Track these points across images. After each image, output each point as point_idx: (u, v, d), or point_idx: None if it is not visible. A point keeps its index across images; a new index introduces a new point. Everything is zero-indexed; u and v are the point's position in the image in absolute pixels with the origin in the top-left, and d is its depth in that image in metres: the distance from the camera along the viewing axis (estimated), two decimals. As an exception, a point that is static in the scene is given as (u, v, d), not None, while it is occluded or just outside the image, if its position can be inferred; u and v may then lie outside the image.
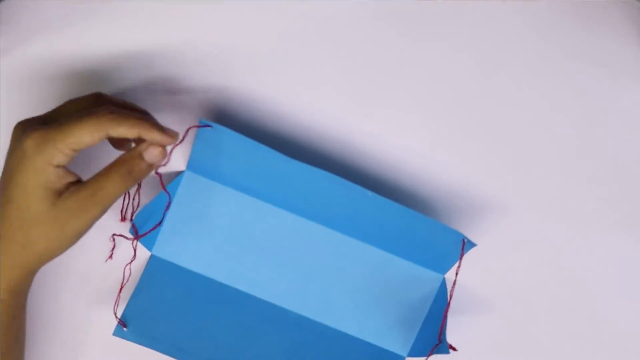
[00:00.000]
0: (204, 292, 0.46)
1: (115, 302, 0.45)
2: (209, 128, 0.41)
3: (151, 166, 0.39)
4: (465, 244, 0.43)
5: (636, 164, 0.48)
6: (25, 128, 0.38)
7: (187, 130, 0.41)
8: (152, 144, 0.39)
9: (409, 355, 0.47)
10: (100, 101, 0.40)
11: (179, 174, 0.45)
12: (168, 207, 0.45)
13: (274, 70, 0.47)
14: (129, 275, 0.45)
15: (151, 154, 0.39)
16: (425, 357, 0.44)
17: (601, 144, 0.48)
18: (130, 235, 0.44)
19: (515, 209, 0.47)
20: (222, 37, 0.47)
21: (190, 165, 0.45)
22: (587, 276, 0.47)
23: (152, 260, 0.46)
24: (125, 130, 0.38)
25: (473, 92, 0.47)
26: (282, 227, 0.46)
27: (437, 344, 0.43)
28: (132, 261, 0.45)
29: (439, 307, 0.45)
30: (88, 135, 0.37)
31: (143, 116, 0.39)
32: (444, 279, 0.46)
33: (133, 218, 0.43)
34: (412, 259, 0.46)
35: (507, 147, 0.47)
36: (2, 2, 0.46)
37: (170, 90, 0.47)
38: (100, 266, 0.46)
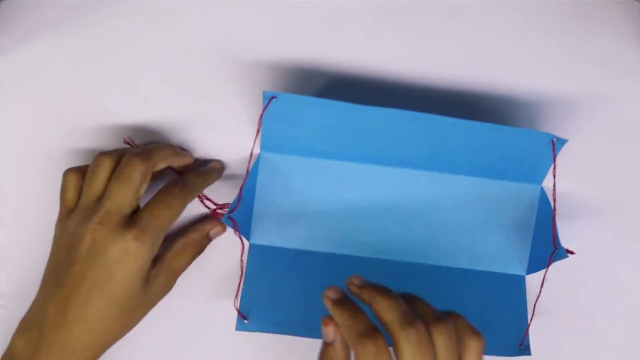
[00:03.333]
0: (310, 265, 0.45)
1: (236, 296, 0.44)
2: (274, 100, 0.41)
3: (211, 240, 0.45)
4: (556, 144, 0.42)
5: (636, 163, 0.48)
6: (111, 229, 0.38)
7: (260, 117, 0.41)
8: (215, 224, 0.44)
9: (528, 272, 0.46)
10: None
11: (252, 157, 0.44)
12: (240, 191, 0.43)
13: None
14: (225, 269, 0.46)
15: (216, 232, 0.45)
16: (545, 269, 0.43)
17: (601, 144, 0.48)
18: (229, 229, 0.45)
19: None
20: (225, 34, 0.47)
21: (264, 146, 0.45)
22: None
23: (252, 249, 0.45)
24: (162, 165, 0.42)
25: (473, 92, 0.47)
26: (369, 181, 0.45)
27: (554, 251, 0.42)
28: (242, 253, 0.44)
29: (545, 217, 0.44)
30: (177, 214, 0.41)
31: (160, 147, 0.43)
32: (541, 188, 0.46)
33: (234, 212, 0.41)
34: (505, 177, 0.45)
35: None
36: (2, 2, 0.46)
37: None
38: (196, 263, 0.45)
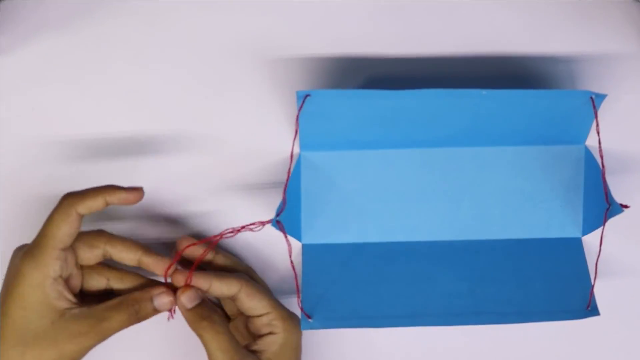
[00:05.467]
0: (366, 258, 0.45)
1: (298, 297, 0.42)
2: (308, 98, 0.40)
3: (157, 311, 0.39)
4: (595, 100, 0.41)
5: (636, 164, 0.48)
6: (17, 251, 0.38)
7: (297, 117, 0.41)
8: (164, 291, 0.39)
9: (584, 233, 0.46)
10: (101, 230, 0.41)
11: (293, 158, 0.43)
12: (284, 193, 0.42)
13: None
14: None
15: (161, 300, 0.39)
16: (602, 227, 0.42)
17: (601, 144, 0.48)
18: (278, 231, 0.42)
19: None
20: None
21: (303, 145, 0.45)
22: None
23: (306, 248, 0.45)
24: (126, 250, 0.39)
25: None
26: (414, 165, 0.45)
27: (608, 208, 0.42)
28: (290, 254, 0.42)
29: (593, 175, 0.44)
30: (65, 226, 0.37)
31: (97, 186, 0.39)
32: (585, 147, 0.45)
33: (280, 215, 0.41)
34: (548, 142, 0.45)
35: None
36: (2, 2, 0.46)
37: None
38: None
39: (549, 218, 0.46)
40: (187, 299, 0.39)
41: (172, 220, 0.46)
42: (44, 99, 0.46)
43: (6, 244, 0.45)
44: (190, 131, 0.47)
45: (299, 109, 0.41)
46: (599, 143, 0.43)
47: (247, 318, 0.41)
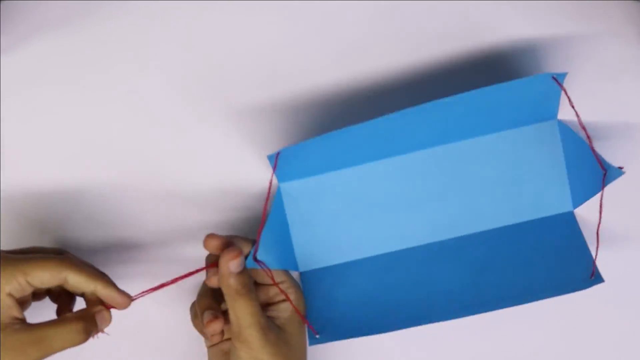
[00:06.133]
0: (364, 272, 0.45)
1: (303, 319, 0.43)
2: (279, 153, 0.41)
3: (97, 330, 0.39)
4: (558, 77, 0.42)
5: (636, 163, 0.48)
6: None
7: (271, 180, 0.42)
8: (104, 308, 0.39)
9: (575, 205, 0.46)
10: (63, 252, 0.41)
11: (269, 199, 0.43)
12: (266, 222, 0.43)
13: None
14: None
15: (102, 317, 0.39)
16: (600, 192, 0.43)
17: (601, 144, 0.48)
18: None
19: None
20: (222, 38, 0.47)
21: (280, 177, 0.45)
22: None
23: (304, 276, 0.46)
24: (85, 280, 0.38)
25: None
26: (393, 174, 0.45)
27: (605, 173, 0.42)
28: (276, 284, 0.42)
29: (572, 148, 0.45)
30: (48, 274, 0.37)
31: (102, 273, 0.40)
32: (559, 121, 0.45)
33: (256, 254, 0.41)
34: (520, 124, 0.45)
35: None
36: (2, 2, 0.46)
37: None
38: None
39: (537, 198, 0.46)
40: (235, 265, 0.39)
41: (160, 237, 0.47)
42: (44, 99, 0.46)
43: (6, 244, 0.45)
44: (191, 131, 0.47)
45: (273, 171, 0.42)
46: (578, 118, 0.43)
47: (259, 286, 0.42)
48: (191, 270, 0.41)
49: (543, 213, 0.46)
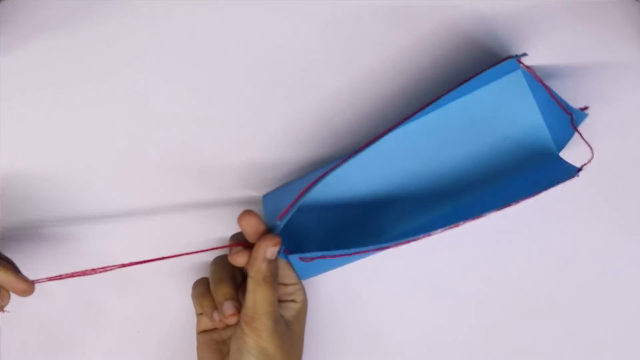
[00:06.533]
0: (333, 203, 0.45)
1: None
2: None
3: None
4: (515, 59, 0.43)
5: (636, 164, 0.48)
6: None
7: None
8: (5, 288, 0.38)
9: (559, 149, 0.46)
10: None
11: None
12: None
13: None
14: None
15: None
16: (572, 137, 0.44)
17: (601, 144, 0.48)
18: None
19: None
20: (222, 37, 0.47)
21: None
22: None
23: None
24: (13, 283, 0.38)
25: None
26: (372, 164, 0.45)
27: (572, 117, 0.43)
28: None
29: (539, 95, 0.44)
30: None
31: (4, 259, 0.39)
32: (521, 70, 0.45)
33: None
34: (485, 84, 0.45)
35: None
36: (2, 2, 0.46)
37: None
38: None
39: (523, 150, 0.46)
40: (272, 252, 0.39)
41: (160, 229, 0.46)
42: (44, 99, 0.46)
43: (5, 243, 0.45)
44: (191, 132, 0.47)
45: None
46: (532, 71, 0.43)
47: None
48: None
49: (532, 164, 0.46)
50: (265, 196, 0.45)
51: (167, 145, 0.47)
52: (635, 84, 0.48)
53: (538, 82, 0.44)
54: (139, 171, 0.46)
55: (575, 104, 0.47)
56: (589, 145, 0.44)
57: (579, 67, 0.48)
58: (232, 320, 0.40)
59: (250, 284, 0.39)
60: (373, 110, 0.47)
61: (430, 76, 0.47)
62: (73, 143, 0.46)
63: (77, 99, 0.47)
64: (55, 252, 0.46)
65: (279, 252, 0.40)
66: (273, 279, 0.39)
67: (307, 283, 0.45)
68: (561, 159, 0.45)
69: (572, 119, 0.44)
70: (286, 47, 0.47)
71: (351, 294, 0.47)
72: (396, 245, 0.41)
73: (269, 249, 0.39)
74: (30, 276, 0.39)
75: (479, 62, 0.47)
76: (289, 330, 0.41)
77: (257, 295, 0.39)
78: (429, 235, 0.41)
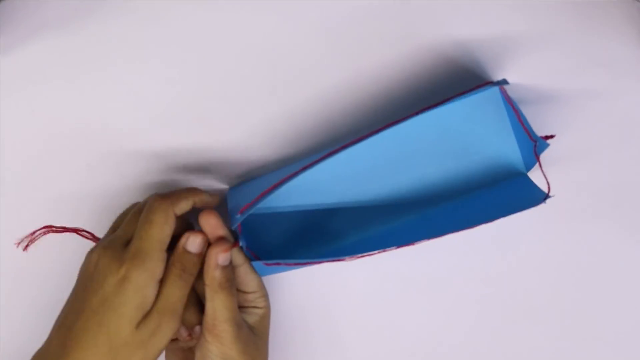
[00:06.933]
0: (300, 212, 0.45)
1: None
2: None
3: (199, 256, 0.39)
4: (497, 84, 0.42)
5: (636, 164, 0.48)
6: (111, 254, 0.37)
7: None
8: (191, 234, 0.39)
9: (527, 170, 0.46)
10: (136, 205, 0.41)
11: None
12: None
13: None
14: None
15: (193, 243, 0.39)
16: (535, 164, 0.44)
17: (601, 144, 0.48)
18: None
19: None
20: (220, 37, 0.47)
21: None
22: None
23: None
24: (185, 203, 0.40)
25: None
26: (342, 163, 0.45)
27: (535, 144, 0.43)
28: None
29: (512, 116, 0.44)
30: (167, 228, 0.38)
31: (184, 187, 0.41)
32: (499, 90, 0.44)
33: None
34: (462, 98, 0.43)
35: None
36: (2, 2, 0.46)
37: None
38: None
39: (489, 167, 0.46)
40: (224, 258, 0.39)
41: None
42: (44, 99, 0.46)
43: (6, 243, 0.46)
44: (190, 131, 0.47)
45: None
46: (503, 92, 0.43)
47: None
48: None
49: (498, 182, 0.46)
50: (232, 189, 0.45)
51: (166, 145, 0.47)
52: (635, 84, 0.48)
53: (509, 104, 0.44)
54: (138, 170, 0.46)
55: (573, 109, 0.47)
56: (545, 178, 0.44)
57: (578, 67, 0.48)
58: (189, 339, 0.41)
59: (208, 292, 0.39)
60: (346, 119, 0.47)
61: (407, 96, 0.47)
62: (73, 143, 0.46)
63: (77, 99, 0.47)
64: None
65: (244, 252, 0.40)
66: (229, 284, 0.39)
67: (272, 288, 0.45)
68: (531, 181, 0.45)
69: (535, 146, 0.44)
70: (286, 47, 0.47)
71: (318, 297, 0.47)
72: (353, 257, 0.42)
73: (220, 255, 0.39)
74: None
75: (464, 84, 0.47)
76: (253, 335, 0.40)
77: (215, 303, 0.39)
78: (385, 250, 0.42)
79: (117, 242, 0.38)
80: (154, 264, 0.37)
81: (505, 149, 0.46)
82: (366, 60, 0.47)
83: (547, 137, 0.44)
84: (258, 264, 0.41)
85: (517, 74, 0.47)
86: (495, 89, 0.44)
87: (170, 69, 0.47)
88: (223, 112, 0.47)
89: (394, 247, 0.42)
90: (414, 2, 0.47)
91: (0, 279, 0.45)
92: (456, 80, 0.47)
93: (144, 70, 0.47)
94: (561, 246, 0.48)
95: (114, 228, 0.41)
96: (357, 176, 0.45)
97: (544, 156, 0.45)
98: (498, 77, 0.47)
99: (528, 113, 0.46)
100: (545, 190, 0.43)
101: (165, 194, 0.40)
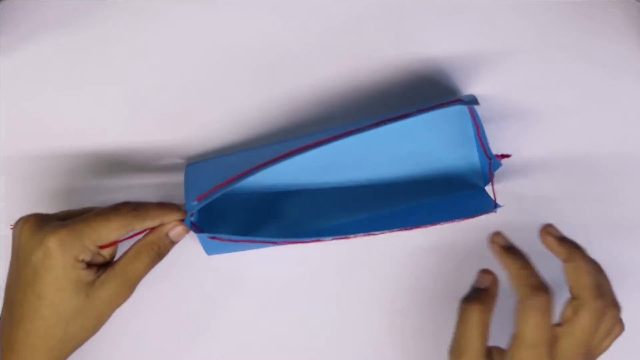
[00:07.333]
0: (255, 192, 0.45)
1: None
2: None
3: (174, 243, 0.41)
4: (468, 103, 0.42)
5: (636, 164, 0.48)
6: (40, 225, 0.38)
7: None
8: (175, 223, 0.40)
9: (485, 183, 0.46)
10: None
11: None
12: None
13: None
14: None
15: (177, 232, 0.40)
16: (490, 183, 0.45)
17: (601, 144, 0.48)
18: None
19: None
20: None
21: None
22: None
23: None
24: (150, 222, 0.39)
25: (470, 89, 0.47)
26: (305, 163, 0.44)
27: (490, 162, 0.44)
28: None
29: (474, 131, 0.45)
30: (115, 232, 0.38)
31: (158, 203, 0.40)
32: (465, 108, 0.44)
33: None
34: (430, 110, 0.43)
35: (505, 149, 0.47)
36: (2, 2, 0.46)
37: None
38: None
39: (449, 177, 0.46)
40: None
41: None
42: (44, 99, 0.46)
43: (6, 243, 0.45)
44: (190, 130, 0.47)
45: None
46: (471, 110, 0.43)
47: None
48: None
49: (455, 191, 0.46)
50: (189, 166, 0.45)
51: (165, 145, 0.47)
52: (635, 84, 0.48)
53: (473, 120, 0.44)
54: (138, 170, 0.46)
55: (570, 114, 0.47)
56: (494, 196, 0.45)
57: (578, 67, 0.48)
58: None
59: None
60: (312, 113, 0.47)
61: (374, 103, 0.47)
62: (73, 143, 0.46)
63: (77, 99, 0.47)
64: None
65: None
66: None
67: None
68: (485, 192, 0.46)
69: (490, 164, 0.44)
70: (286, 47, 0.47)
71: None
72: (305, 242, 0.43)
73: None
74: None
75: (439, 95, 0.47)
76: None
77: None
78: (346, 237, 0.43)
79: (52, 216, 0.39)
80: (80, 251, 0.37)
81: (466, 159, 0.46)
82: (336, 68, 0.47)
83: (503, 156, 0.45)
84: (202, 237, 0.40)
85: (498, 86, 0.48)
86: (464, 107, 0.44)
87: (170, 69, 0.47)
88: (224, 112, 0.47)
89: (352, 236, 0.43)
90: (390, 17, 0.47)
91: (0, 277, 0.45)
92: (430, 91, 0.47)
93: (144, 70, 0.47)
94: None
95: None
96: (315, 168, 0.45)
97: (548, 156, 0.45)
98: (477, 88, 0.47)
99: (512, 120, 0.46)
100: (499, 201, 0.44)
101: (138, 206, 0.39)
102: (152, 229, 0.40)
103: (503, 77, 0.48)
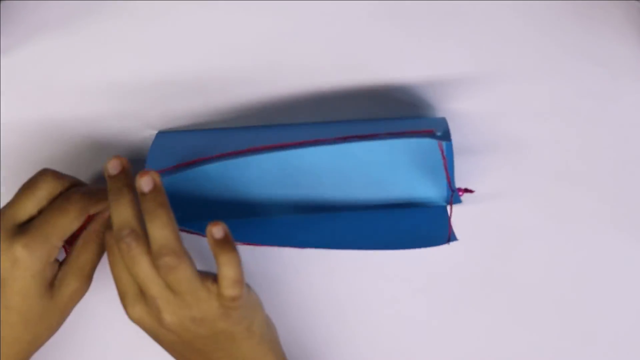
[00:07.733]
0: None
1: None
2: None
3: None
4: (443, 146, 0.42)
5: (636, 163, 0.48)
6: (6, 235, 0.37)
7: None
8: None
9: (447, 201, 0.46)
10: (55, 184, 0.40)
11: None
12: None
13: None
14: None
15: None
16: (449, 215, 0.45)
17: (601, 144, 0.48)
18: None
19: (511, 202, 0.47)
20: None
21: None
22: (583, 274, 0.47)
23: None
24: (104, 203, 0.39)
25: (470, 89, 0.47)
26: (267, 165, 0.45)
27: (452, 194, 0.44)
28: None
29: (448, 156, 0.45)
30: (75, 222, 0.38)
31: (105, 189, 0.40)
32: (437, 142, 0.44)
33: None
34: (402, 137, 0.43)
35: (505, 147, 0.47)
36: (2, 2, 0.46)
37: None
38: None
39: (411, 200, 0.46)
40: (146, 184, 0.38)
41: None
42: (44, 99, 0.46)
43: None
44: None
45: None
46: (439, 145, 0.43)
47: None
48: None
49: (417, 216, 0.46)
50: (160, 134, 0.45)
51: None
52: (635, 84, 0.48)
53: (441, 151, 0.44)
54: (135, 169, 0.47)
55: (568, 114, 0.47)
56: (450, 229, 0.44)
57: (578, 67, 0.48)
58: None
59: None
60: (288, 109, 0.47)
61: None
62: (73, 143, 0.46)
63: (77, 99, 0.47)
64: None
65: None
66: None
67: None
68: (446, 222, 0.45)
69: (452, 196, 0.44)
70: (285, 47, 0.47)
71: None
72: (252, 244, 0.42)
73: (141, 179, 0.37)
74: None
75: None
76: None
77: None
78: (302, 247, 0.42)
79: (10, 220, 0.38)
80: (50, 252, 0.37)
81: (433, 185, 0.46)
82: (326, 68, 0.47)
83: (466, 191, 0.45)
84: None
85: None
86: (434, 141, 0.44)
87: (170, 69, 0.47)
88: (223, 112, 0.47)
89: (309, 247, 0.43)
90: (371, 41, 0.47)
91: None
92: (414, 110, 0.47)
93: (144, 71, 0.47)
94: (561, 246, 0.48)
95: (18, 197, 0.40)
96: (275, 170, 0.45)
97: (550, 155, 0.45)
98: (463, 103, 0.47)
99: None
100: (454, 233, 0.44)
101: (86, 191, 0.39)
102: (93, 217, 0.40)
103: (503, 77, 0.48)
